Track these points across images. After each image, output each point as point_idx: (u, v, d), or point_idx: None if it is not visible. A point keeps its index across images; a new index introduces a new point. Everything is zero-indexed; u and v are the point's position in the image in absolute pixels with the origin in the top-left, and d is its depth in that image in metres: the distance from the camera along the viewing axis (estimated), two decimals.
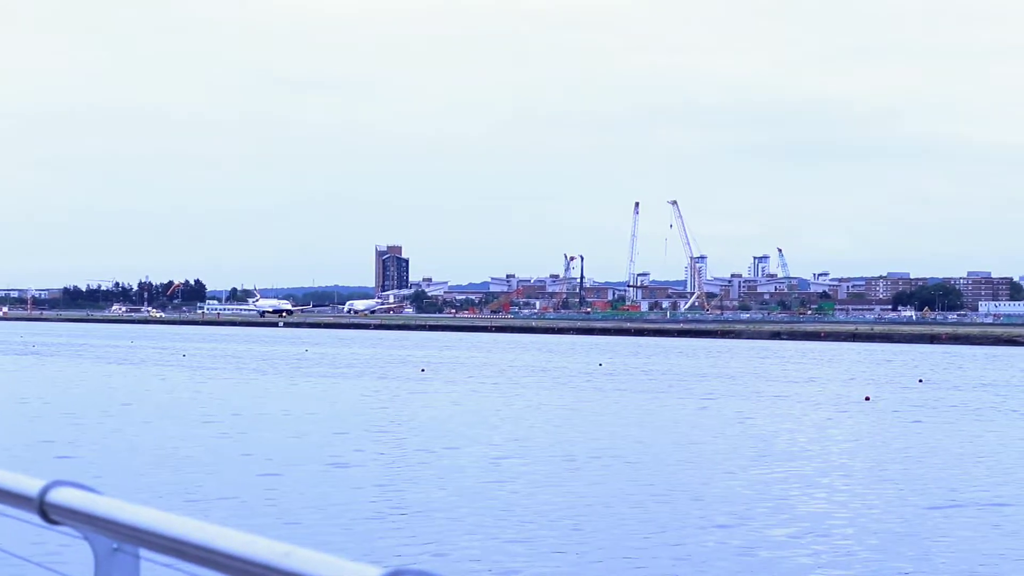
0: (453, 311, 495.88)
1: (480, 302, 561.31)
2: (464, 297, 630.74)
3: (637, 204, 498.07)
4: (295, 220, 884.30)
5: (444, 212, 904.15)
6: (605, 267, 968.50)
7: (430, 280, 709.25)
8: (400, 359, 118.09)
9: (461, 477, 35.71)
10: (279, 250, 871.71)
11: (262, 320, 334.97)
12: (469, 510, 29.92)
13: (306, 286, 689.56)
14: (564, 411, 60.01)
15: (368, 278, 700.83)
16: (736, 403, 65.90)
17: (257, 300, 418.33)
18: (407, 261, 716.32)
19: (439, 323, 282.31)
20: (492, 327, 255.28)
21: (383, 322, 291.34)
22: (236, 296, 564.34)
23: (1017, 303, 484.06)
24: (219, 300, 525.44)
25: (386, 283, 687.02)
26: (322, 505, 30.36)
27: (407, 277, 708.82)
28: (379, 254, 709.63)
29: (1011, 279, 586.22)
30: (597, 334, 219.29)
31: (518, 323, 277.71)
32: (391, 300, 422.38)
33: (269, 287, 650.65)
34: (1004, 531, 28.28)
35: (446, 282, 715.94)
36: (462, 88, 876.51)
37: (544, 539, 26.45)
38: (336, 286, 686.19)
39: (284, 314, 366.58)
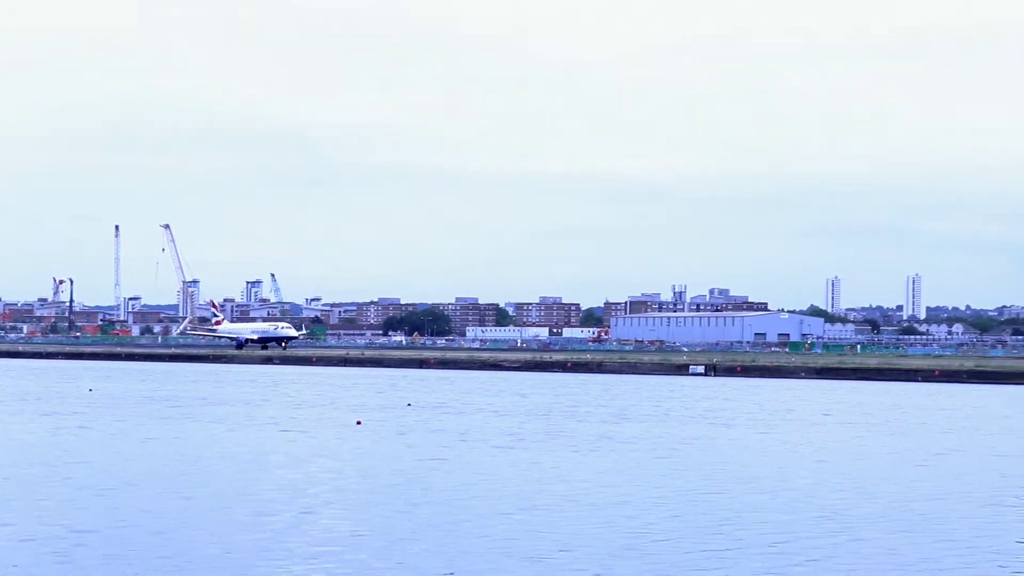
0: None
1: None
2: None
3: (117, 227, 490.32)
4: None
5: None
6: (95, 291, 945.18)
7: None
8: None
9: None
10: None
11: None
12: None
13: None
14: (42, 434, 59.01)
15: None
16: (226, 428, 65.99)
17: (220, 321, 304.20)
18: None
19: None
20: None
21: None
22: None
23: (502, 328, 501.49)
24: None
25: None
26: None
27: None
28: None
29: (497, 305, 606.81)
30: (87, 359, 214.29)
31: (4, 347, 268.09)
32: None
33: None
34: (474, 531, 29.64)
35: None
36: None
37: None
38: None
39: (284, 344, 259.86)
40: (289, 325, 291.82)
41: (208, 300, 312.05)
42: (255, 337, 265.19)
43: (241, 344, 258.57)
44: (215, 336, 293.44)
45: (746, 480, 44.33)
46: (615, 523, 33.82)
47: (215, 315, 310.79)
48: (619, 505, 37.34)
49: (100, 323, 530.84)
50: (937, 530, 33.56)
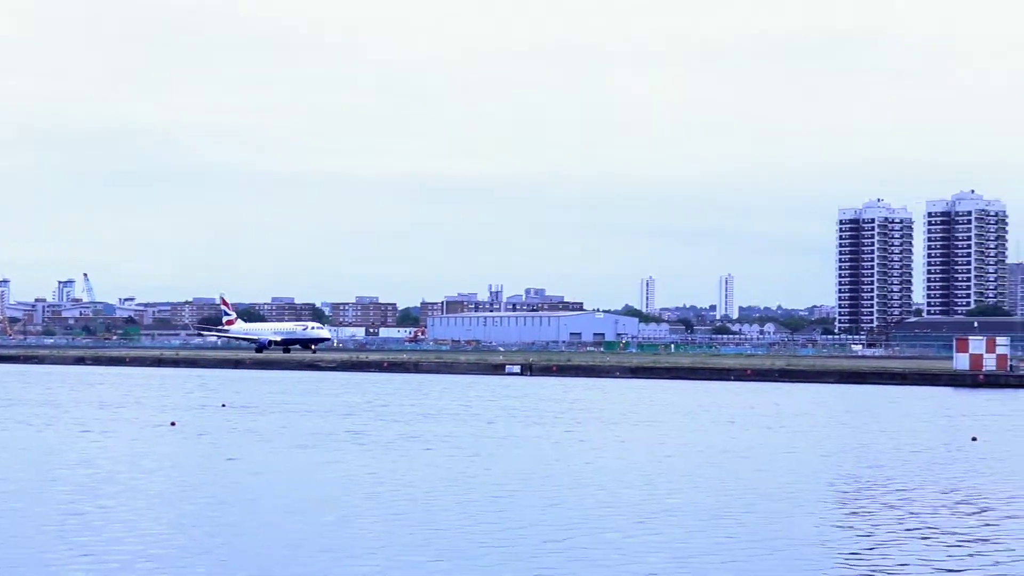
0: None
1: None
2: None
3: None
4: None
5: None
6: None
7: None
8: None
9: None
10: None
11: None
12: None
13: None
14: None
15: None
16: (35, 429, 65.60)
17: (232, 320, 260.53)
18: None
19: None
20: None
21: None
22: None
23: None
24: None
25: None
26: None
27: None
28: None
29: (314, 305, 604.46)
30: None
31: None
32: None
33: None
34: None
35: None
36: None
37: None
38: None
39: (312, 347, 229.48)
40: (320, 326, 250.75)
41: (220, 297, 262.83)
42: (278, 339, 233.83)
43: (263, 347, 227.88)
44: (229, 338, 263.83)
45: (546, 477, 45.35)
46: (411, 521, 34.63)
47: (226, 314, 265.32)
48: (412, 503, 38.16)
49: None
50: (726, 525, 34.85)
